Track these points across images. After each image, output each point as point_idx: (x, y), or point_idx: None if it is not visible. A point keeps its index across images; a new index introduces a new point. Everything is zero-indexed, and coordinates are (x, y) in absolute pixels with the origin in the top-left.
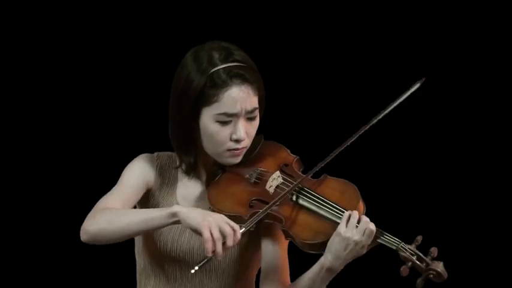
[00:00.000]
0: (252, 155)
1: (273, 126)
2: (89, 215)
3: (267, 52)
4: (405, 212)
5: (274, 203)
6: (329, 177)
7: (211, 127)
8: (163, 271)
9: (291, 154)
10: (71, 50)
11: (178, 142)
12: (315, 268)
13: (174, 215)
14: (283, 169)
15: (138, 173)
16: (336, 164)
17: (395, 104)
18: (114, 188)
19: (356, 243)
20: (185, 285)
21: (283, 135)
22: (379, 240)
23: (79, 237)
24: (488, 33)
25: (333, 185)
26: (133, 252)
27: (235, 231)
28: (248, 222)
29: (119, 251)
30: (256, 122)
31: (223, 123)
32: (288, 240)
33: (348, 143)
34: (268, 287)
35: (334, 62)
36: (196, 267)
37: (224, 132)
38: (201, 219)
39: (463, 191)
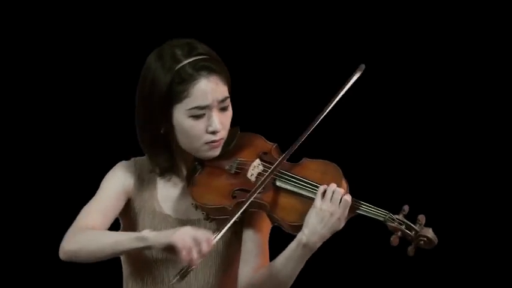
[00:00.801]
0: (230, 147)
1: (248, 119)
2: (68, 233)
3: (230, 48)
4: (389, 185)
5: (254, 192)
6: (309, 159)
7: (186, 123)
8: (149, 274)
9: (269, 142)
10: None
11: (150, 145)
12: (292, 245)
13: (142, 238)
14: (263, 157)
15: (116, 183)
16: (314, 146)
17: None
18: (93, 199)
19: (331, 214)
20: (172, 287)
21: (257, 126)
22: (361, 212)
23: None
24: (480, 31)
25: (314, 167)
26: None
27: (207, 237)
28: (221, 228)
29: None
30: (230, 112)
31: (197, 117)
32: (268, 226)
33: (318, 121)
34: (246, 272)
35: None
36: (174, 280)
37: (199, 126)
38: (171, 233)
39: (444, 159)
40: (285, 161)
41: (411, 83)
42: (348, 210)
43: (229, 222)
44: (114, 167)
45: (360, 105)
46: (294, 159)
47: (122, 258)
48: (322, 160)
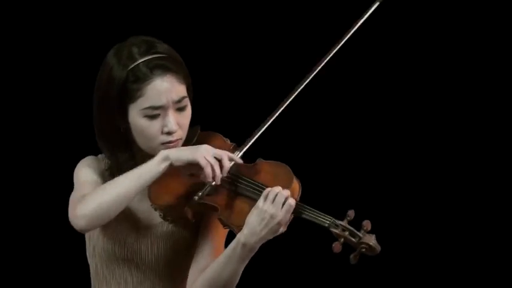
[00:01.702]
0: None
1: (211, 117)
2: (72, 205)
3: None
4: (338, 189)
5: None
6: (263, 160)
7: (140, 123)
8: (114, 275)
9: (228, 142)
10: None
11: (108, 144)
12: (232, 245)
13: (165, 158)
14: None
15: (91, 170)
16: (271, 146)
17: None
18: (75, 189)
19: (272, 216)
20: None
21: (219, 124)
22: (305, 217)
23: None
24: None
25: (267, 168)
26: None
27: (228, 154)
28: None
29: (75, 254)
30: (188, 112)
31: (152, 117)
32: (226, 230)
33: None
34: (194, 271)
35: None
36: (200, 193)
37: (154, 126)
38: (193, 150)
39: (393, 162)
40: (240, 163)
41: (361, 83)
42: (289, 214)
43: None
44: (83, 160)
45: (313, 106)
46: (250, 158)
47: (89, 259)
48: (276, 162)
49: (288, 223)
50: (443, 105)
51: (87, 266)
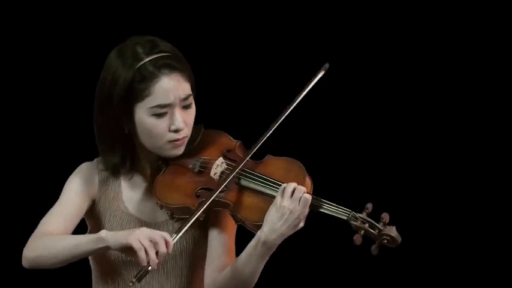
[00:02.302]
0: (194, 145)
1: (212, 116)
2: (29, 240)
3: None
4: (353, 183)
5: (215, 192)
6: (272, 157)
7: (148, 122)
8: (119, 276)
9: (233, 139)
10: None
11: (109, 145)
12: (252, 243)
13: (102, 240)
14: (226, 155)
15: (78, 185)
16: (278, 143)
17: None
18: (55, 205)
19: (291, 211)
20: None
21: (221, 123)
22: (324, 210)
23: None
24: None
25: (277, 164)
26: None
27: (165, 238)
28: (181, 228)
29: None
30: (193, 110)
31: (159, 115)
32: (236, 226)
33: (282, 119)
34: (210, 272)
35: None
36: (134, 280)
37: (161, 124)
38: (128, 233)
39: (409, 156)
40: (248, 159)
41: (371, 80)
42: (307, 208)
43: (188, 222)
44: (77, 169)
45: (322, 103)
46: (258, 156)
47: (91, 260)
48: (287, 158)
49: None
50: (455, 99)
51: (86, 268)
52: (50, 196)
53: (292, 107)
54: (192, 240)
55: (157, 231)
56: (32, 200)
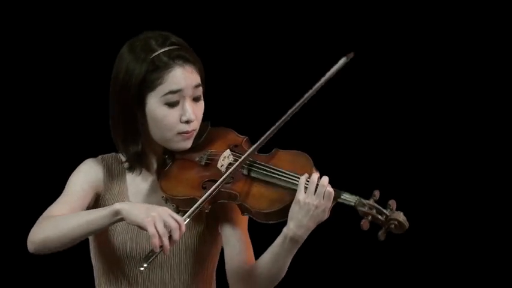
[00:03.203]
0: (200, 141)
1: (219, 114)
2: (35, 225)
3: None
4: (359, 171)
5: (223, 181)
6: (279, 150)
7: (159, 111)
8: (123, 274)
9: (240, 135)
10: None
11: (124, 136)
12: (278, 240)
13: (116, 213)
14: (233, 149)
15: (83, 178)
16: (284, 138)
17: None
18: (60, 197)
19: (316, 207)
20: (147, 287)
21: (228, 120)
22: (339, 200)
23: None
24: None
25: (284, 156)
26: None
27: (179, 224)
28: (193, 208)
29: (75, 255)
30: (202, 104)
31: (171, 104)
32: (246, 219)
33: (291, 112)
34: (234, 269)
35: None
36: (145, 264)
37: (172, 114)
38: (144, 215)
39: (416, 144)
40: (256, 153)
41: (376, 70)
42: (331, 200)
43: (197, 204)
44: (81, 164)
45: (328, 95)
46: (265, 150)
47: (93, 258)
48: (294, 150)
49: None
50: (461, 91)
51: (87, 267)
52: (52, 194)
53: (310, 95)
54: (196, 237)
55: (173, 217)
56: (33, 199)
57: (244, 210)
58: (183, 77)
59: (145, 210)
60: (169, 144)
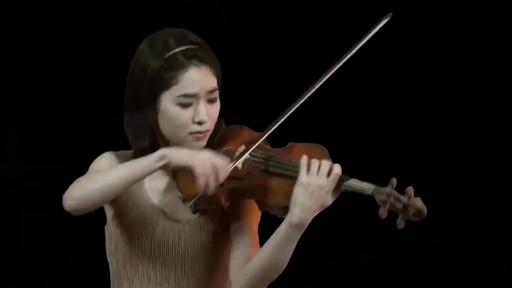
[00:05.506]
0: (215, 139)
1: (234, 112)
2: (72, 184)
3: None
4: (376, 159)
5: (253, 147)
6: (295, 143)
7: (172, 111)
8: (137, 271)
9: (254, 132)
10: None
11: (136, 132)
12: (282, 227)
13: (162, 157)
14: (249, 145)
15: (106, 164)
16: (297, 132)
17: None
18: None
19: (320, 188)
20: (161, 286)
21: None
22: (346, 185)
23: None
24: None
25: (300, 150)
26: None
27: (225, 166)
28: (235, 158)
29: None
30: (217, 105)
31: (184, 105)
32: (258, 217)
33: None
34: (237, 264)
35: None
36: (191, 202)
37: (185, 115)
38: (190, 157)
39: (432, 132)
40: (270, 147)
41: (390, 56)
42: (336, 182)
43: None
44: (102, 155)
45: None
46: (280, 144)
47: (109, 252)
48: (309, 143)
49: (336, 196)
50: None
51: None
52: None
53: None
54: (212, 237)
55: (219, 158)
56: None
57: (261, 205)
58: (198, 79)
59: (190, 153)
60: (182, 143)
